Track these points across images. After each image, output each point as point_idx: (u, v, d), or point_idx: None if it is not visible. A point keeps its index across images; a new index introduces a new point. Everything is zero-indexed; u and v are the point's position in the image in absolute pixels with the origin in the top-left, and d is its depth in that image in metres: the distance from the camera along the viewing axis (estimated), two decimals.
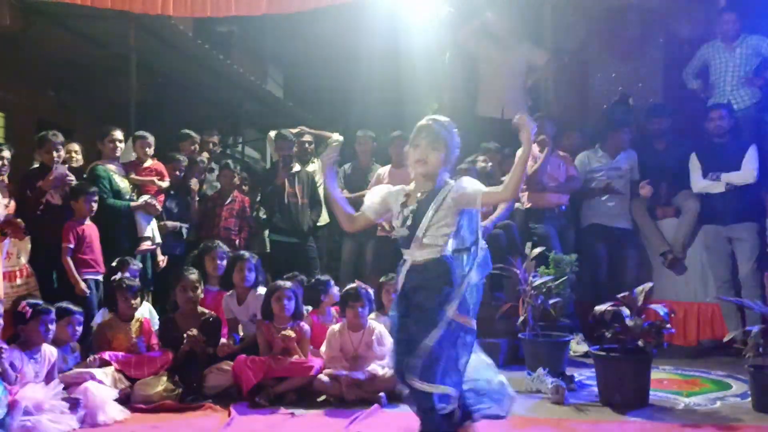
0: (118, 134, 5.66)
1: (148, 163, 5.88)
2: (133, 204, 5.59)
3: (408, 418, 3.36)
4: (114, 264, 5.16)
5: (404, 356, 2.94)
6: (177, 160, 6.16)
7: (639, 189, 6.35)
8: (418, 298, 2.95)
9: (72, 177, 5.28)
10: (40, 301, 4.18)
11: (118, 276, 4.87)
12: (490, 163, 6.36)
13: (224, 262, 5.26)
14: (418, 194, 3.07)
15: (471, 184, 3.03)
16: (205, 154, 6.72)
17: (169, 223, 5.97)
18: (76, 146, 6.02)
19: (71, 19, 7.44)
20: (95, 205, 5.18)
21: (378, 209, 3.18)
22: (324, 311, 5.05)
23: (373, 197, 3.22)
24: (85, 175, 5.55)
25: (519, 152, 3.04)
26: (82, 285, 4.98)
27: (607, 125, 6.70)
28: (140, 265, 5.35)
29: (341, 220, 3.29)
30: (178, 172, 6.13)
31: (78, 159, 5.96)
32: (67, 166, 5.48)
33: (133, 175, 5.77)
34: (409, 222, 3.01)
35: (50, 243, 5.05)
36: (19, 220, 4.92)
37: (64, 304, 4.46)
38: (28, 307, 4.05)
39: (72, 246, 5.02)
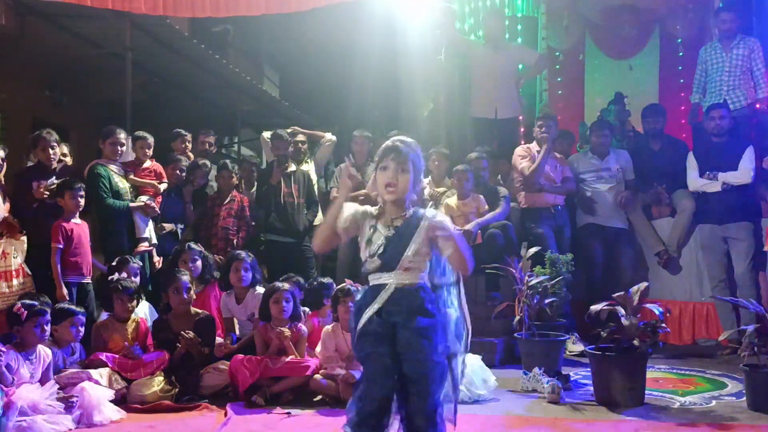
0: (122, 136, 5.62)
1: (147, 163, 5.87)
2: (131, 205, 5.58)
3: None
4: (114, 263, 5.15)
5: (388, 378, 2.79)
6: (178, 161, 6.15)
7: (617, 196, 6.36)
8: (415, 323, 2.77)
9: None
10: (36, 302, 4.16)
11: (116, 276, 4.86)
12: (484, 160, 6.36)
13: (199, 263, 5.31)
14: (392, 219, 2.86)
15: (443, 223, 2.83)
16: (207, 162, 6.70)
17: (166, 225, 5.97)
18: (65, 148, 5.98)
19: (67, 19, 7.42)
20: (82, 201, 5.08)
21: (348, 229, 2.92)
22: (325, 313, 5.05)
23: (343, 215, 2.95)
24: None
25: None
26: (64, 290, 4.88)
27: (591, 128, 6.72)
28: (141, 263, 5.34)
29: (319, 238, 3.01)
30: (178, 172, 6.13)
31: (66, 161, 5.92)
32: (63, 164, 5.48)
33: (132, 176, 5.76)
34: (381, 251, 2.81)
35: (46, 243, 5.03)
36: (15, 219, 4.91)
37: (66, 305, 4.45)
38: (24, 308, 4.03)
39: (61, 246, 4.93)
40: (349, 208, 2.96)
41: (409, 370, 2.77)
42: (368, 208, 2.96)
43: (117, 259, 5.17)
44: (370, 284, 2.88)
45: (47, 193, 5.10)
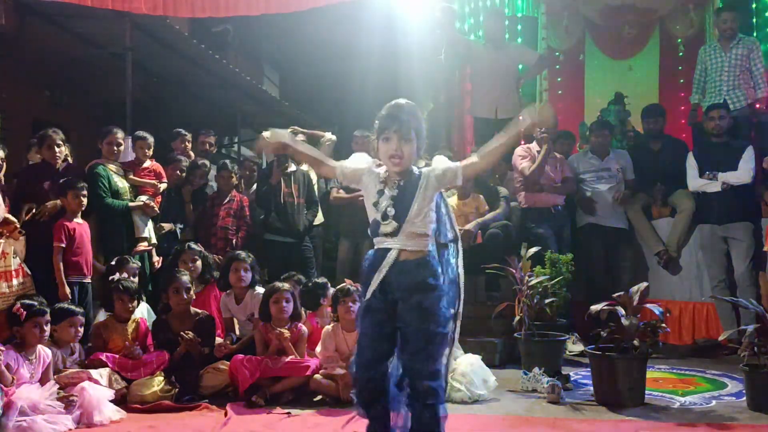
0: (120, 136, 5.63)
1: (147, 163, 5.87)
2: (131, 204, 5.58)
3: (404, 417, 3.35)
4: (113, 263, 5.15)
5: (384, 356, 2.89)
6: (178, 161, 6.15)
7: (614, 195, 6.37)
8: (415, 299, 2.82)
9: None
10: (35, 302, 4.16)
11: (116, 276, 4.86)
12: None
13: (198, 263, 5.33)
14: (397, 180, 2.88)
15: (447, 162, 2.92)
16: (206, 162, 6.70)
17: (165, 225, 5.97)
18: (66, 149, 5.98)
19: (67, 19, 7.42)
20: (85, 200, 5.10)
21: (350, 176, 2.98)
22: (323, 313, 5.05)
23: (350, 163, 3.01)
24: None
25: (506, 132, 2.90)
26: (66, 290, 4.89)
27: (591, 128, 6.72)
28: (139, 264, 5.35)
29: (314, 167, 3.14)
30: (178, 172, 6.12)
31: (69, 161, 5.93)
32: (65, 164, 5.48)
33: (131, 176, 5.76)
34: (392, 212, 2.83)
35: (47, 243, 5.03)
36: (14, 219, 4.91)
37: (66, 305, 4.45)
38: (23, 308, 4.03)
39: (63, 245, 4.95)
40: (360, 162, 2.98)
41: (410, 344, 2.81)
42: (376, 168, 2.96)
43: (116, 259, 5.17)
44: (375, 247, 2.91)
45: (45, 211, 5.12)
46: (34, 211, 5.12)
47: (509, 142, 2.92)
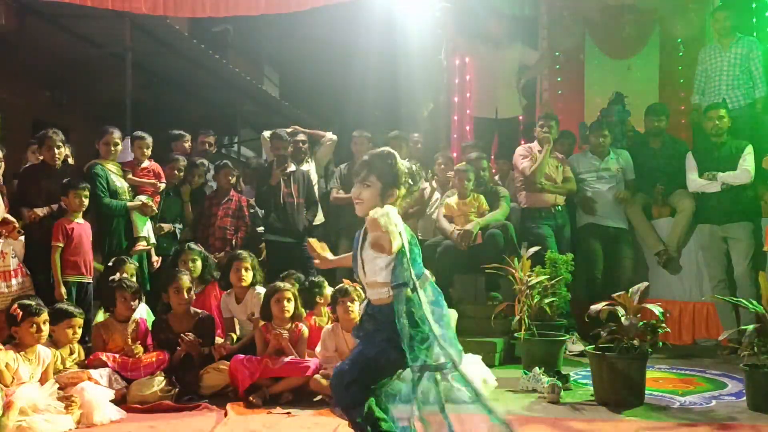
0: (117, 135, 5.64)
1: (146, 163, 5.87)
2: (129, 204, 5.59)
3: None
4: (111, 264, 5.15)
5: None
6: (176, 160, 6.15)
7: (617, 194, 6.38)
8: (365, 340, 2.85)
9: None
10: (32, 303, 4.16)
11: (118, 276, 4.85)
12: (484, 160, 6.36)
13: (198, 264, 5.33)
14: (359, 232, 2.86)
15: (378, 230, 2.62)
16: (204, 162, 6.71)
17: (165, 225, 5.97)
18: (67, 150, 5.98)
19: (67, 19, 7.43)
20: (86, 200, 5.12)
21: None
22: (320, 312, 5.05)
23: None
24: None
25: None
26: (62, 289, 4.90)
27: (591, 128, 6.72)
28: (137, 264, 5.35)
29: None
30: (177, 172, 6.13)
31: (69, 161, 5.93)
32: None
33: (130, 176, 5.76)
34: (360, 263, 2.84)
35: (47, 243, 5.03)
36: (13, 219, 4.91)
37: (65, 306, 4.44)
38: (20, 308, 4.03)
39: (61, 245, 4.96)
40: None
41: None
42: None
43: (114, 259, 5.17)
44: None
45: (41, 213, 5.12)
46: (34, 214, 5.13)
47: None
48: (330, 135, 7.22)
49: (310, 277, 5.36)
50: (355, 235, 2.89)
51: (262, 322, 4.65)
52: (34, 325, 4.01)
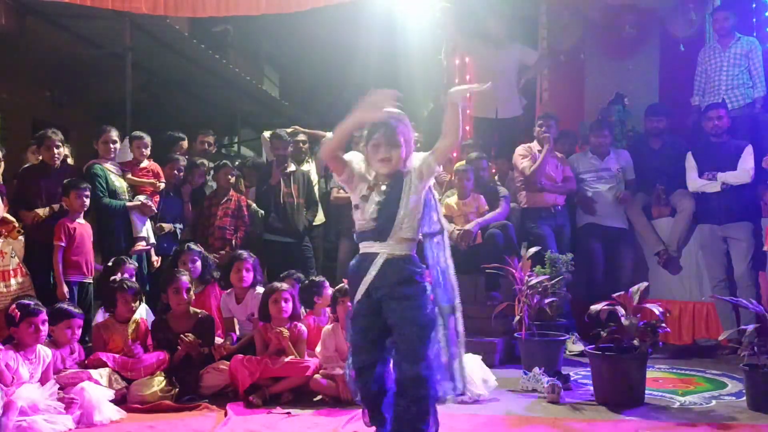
0: (114, 135, 5.65)
1: (145, 163, 5.88)
2: (128, 204, 5.59)
3: None
4: (110, 264, 5.15)
5: (373, 351, 2.94)
6: (176, 160, 6.16)
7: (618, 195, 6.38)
8: (398, 291, 2.88)
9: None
10: (30, 302, 4.16)
11: (119, 277, 4.85)
12: (484, 160, 6.36)
13: (198, 264, 5.32)
14: (383, 186, 2.96)
15: (420, 155, 3.00)
16: (204, 161, 6.71)
17: (165, 225, 5.97)
18: (66, 150, 5.99)
19: (66, 19, 7.43)
20: (87, 201, 5.13)
21: (343, 168, 3.04)
22: (319, 312, 5.05)
23: (352, 158, 3.08)
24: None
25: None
26: (64, 289, 4.92)
27: (591, 128, 6.72)
28: (136, 264, 5.35)
29: (330, 144, 3.12)
30: (176, 172, 6.13)
31: (69, 161, 5.93)
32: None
33: (129, 176, 5.77)
34: (374, 215, 2.91)
35: (47, 242, 5.04)
36: (13, 219, 4.91)
37: (65, 306, 4.44)
38: (18, 309, 4.04)
39: (63, 244, 4.98)
40: (355, 158, 3.04)
41: (398, 333, 2.88)
42: (364, 168, 3.03)
43: (113, 260, 5.18)
44: (361, 251, 2.98)
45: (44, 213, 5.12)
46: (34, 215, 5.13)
47: (455, 115, 3.00)
48: (330, 135, 7.21)
49: (310, 277, 5.37)
50: (379, 190, 2.93)
51: (261, 322, 4.65)
52: (33, 326, 4.01)
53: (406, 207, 2.90)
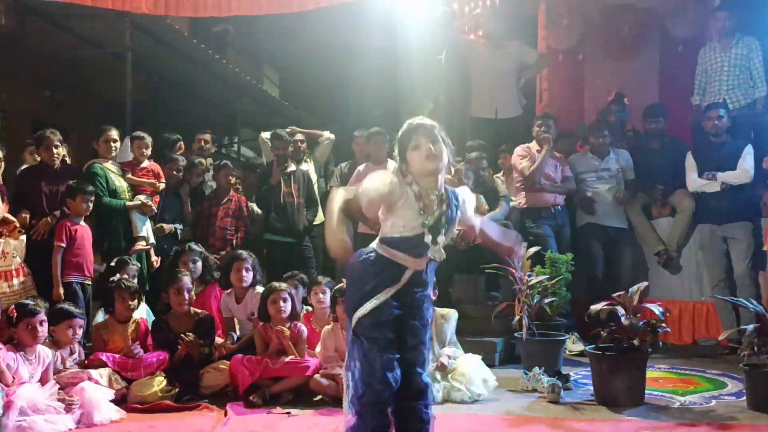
0: (114, 134, 5.66)
1: (145, 163, 5.88)
2: (129, 204, 5.59)
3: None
4: (113, 264, 5.15)
5: (392, 354, 2.80)
6: (175, 160, 6.16)
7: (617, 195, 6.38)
8: (421, 309, 2.87)
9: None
10: (30, 303, 4.16)
11: (117, 277, 4.85)
12: (484, 160, 6.36)
13: (199, 264, 5.33)
14: (432, 198, 2.78)
15: (472, 205, 2.98)
16: (202, 160, 6.71)
17: (166, 226, 5.97)
18: (64, 150, 5.99)
19: (67, 19, 7.43)
20: (91, 205, 5.16)
21: (377, 202, 2.79)
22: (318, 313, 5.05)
23: (371, 184, 2.77)
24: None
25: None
26: (60, 290, 4.91)
27: (590, 128, 6.72)
28: (139, 265, 5.35)
29: (335, 239, 2.81)
30: (176, 172, 6.13)
31: (67, 161, 5.93)
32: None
33: (129, 176, 5.77)
34: (442, 237, 2.79)
35: (48, 243, 5.04)
36: (13, 219, 4.91)
37: (65, 306, 4.44)
38: (15, 309, 4.04)
39: (64, 245, 4.98)
40: (383, 180, 2.79)
41: (410, 339, 2.85)
42: (399, 180, 2.79)
43: (116, 260, 5.18)
44: (388, 257, 2.79)
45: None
46: (30, 220, 5.12)
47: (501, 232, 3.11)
48: (327, 134, 7.22)
49: (310, 277, 5.37)
50: (433, 203, 2.79)
51: (261, 323, 4.65)
52: (29, 326, 4.00)
53: (452, 229, 2.87)
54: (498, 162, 6.95)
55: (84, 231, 5.15)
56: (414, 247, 2.78)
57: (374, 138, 6.38)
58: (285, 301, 4.56)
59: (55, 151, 5.26)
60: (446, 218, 2.81)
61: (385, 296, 2.77)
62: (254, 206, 6.56)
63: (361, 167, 6.45)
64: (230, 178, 6.36)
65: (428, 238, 2.77)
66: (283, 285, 4.69)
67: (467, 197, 2.94)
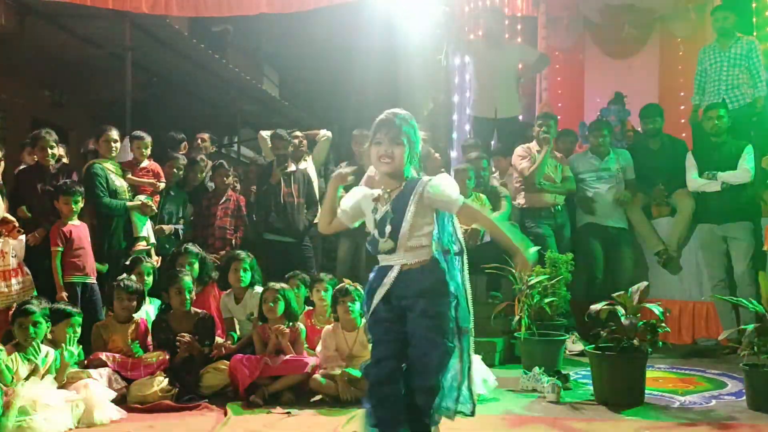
0: (114, 133, 5.65)
1: (145, 163, 5.88)
2: (129, 204, 5.59)
3: None
4: (128, 262, 5.15)
5: (393, 359, 2.84)
6: (175, 159, 6.16)
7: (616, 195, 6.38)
8: (421, 305, 2.79)
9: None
10: (31, 302, 4.15)
11: (122, 276, 4.85)
12: (484, 160, 6.36)
13: (196, 266, 5.31)
14: (387, 196, 2.85)
15: (450, 187, 2.83)
16: (203, 157, 6.71)
17: (166, 227, 5.97)
18: (61, 150, 5.98)
19: (66, 19, 7.43)
20: (76, 207, 5.06)
21: (351, 214, 2.96)
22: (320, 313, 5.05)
23: (346, 201, 2.99)
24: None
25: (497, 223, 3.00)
26: (63, 293, 4.88)
27: (591, 128, 6.72)
28: (154, 264, 5.34)
29: (322, 222, 3.08)
30: (176, 170, 6.13)
31: (64, 161, 5.92)
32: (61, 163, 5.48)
33: (129, 176, 5.76)
34: (387, 229, 2.80)
35: (48, 243, 5.03)
36: (13, 218, 4.90)
37: (63, 306, 4.44)
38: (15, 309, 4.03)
39: (61, 248, 4.95)
40: (354, 195, 2.99)
41: (413, 351, 2.81)
42: (368, 190, 2.96)
43: (131, 258, 5.19)
44: (379, 264, 2.91)
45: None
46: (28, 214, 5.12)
47: (500, 238, 2.94)
48: (324, 132, 7.21)
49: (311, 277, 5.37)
50: (384, 200, 2.86)
51: (260, 322, 4.65)
52: (22, 326, 3.99)
53: (413, 217, 2.78)
54: (494, 164, 6.95)
55: (80, 230, 5.10)
56: (384, 245, 2.85)
57: (356, 138, 6.39)
58: (276, 301, 4.55)
59: (50, 151, 5.24)
60: (392, 208, 2.82)
61: (378, 297, 2.86)
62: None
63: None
64: (225, 178, 6.35)
65: (375, 233, 2.86)
66: (277, 285, 4.68)
67: (442, 182, 2.84)
